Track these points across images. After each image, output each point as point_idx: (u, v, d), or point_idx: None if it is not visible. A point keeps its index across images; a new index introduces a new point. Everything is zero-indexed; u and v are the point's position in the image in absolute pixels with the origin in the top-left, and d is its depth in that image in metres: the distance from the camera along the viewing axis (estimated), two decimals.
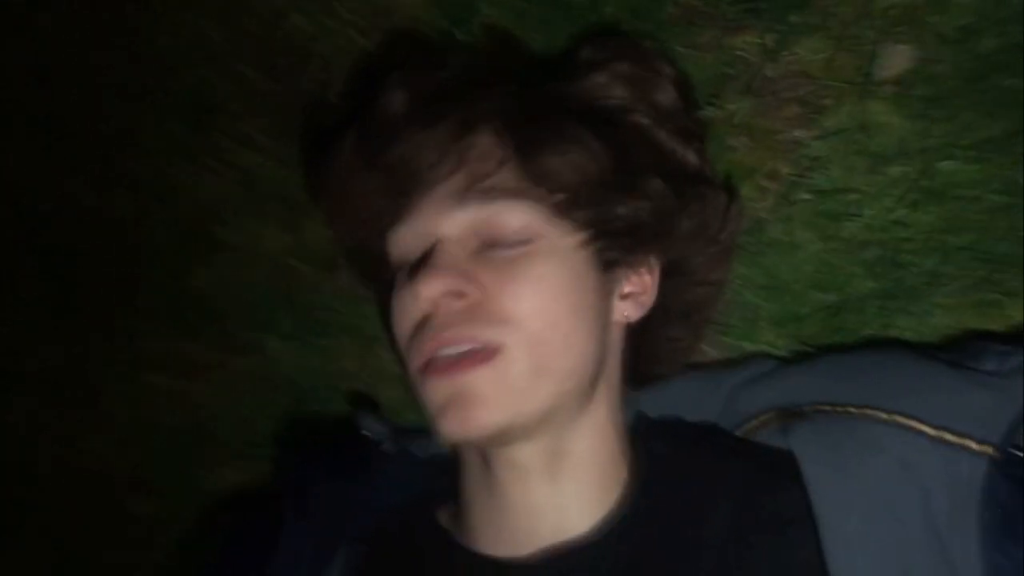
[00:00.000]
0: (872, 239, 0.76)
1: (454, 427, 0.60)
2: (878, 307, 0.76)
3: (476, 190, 0.63)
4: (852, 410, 0.63)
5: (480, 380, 0.60)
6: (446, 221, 0.64)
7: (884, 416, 0.62)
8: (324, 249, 0.95)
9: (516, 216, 0.63)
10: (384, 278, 0.71)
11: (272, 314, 0.98)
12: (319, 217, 0.91)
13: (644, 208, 0.65)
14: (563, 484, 0.65)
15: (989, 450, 0.58)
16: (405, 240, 0.67)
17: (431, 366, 0.61)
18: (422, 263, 0.63)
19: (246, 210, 0.98)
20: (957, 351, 0.67)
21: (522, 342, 0.60)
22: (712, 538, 0.63)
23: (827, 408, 0.65)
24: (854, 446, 0.61)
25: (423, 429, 0.67)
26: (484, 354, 0.60)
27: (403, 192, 0.66)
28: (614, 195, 0.64)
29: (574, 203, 0.64)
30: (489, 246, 0.63)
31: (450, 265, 0.62)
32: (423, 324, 0.63)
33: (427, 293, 0.62)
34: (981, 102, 0.72)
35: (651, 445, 0.70)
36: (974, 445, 0.59)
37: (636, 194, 0.65)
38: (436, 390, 0.61)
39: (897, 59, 0.74)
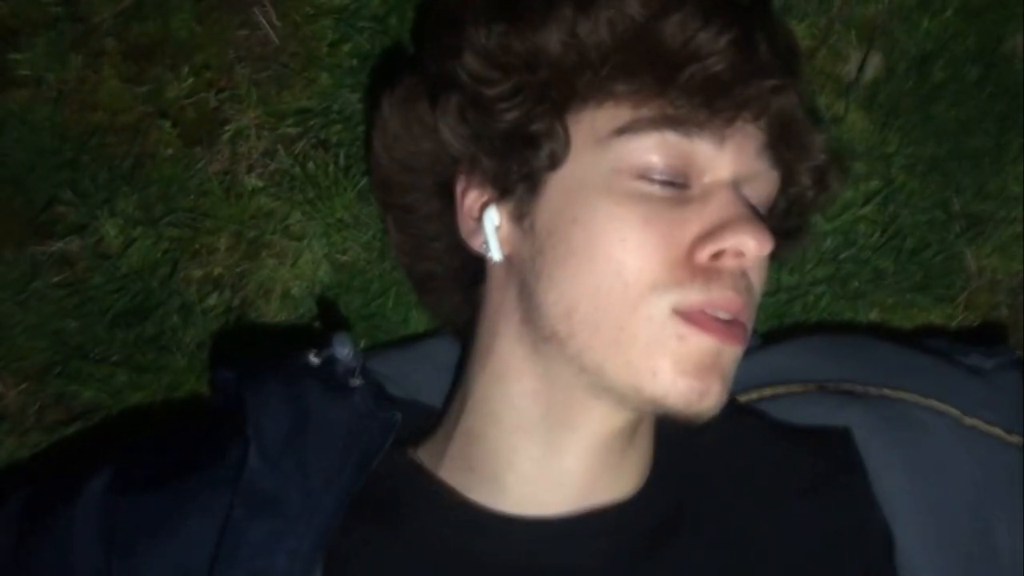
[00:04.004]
0: (830, 230, 0.77)
1: (694, 390, 0.52)
2: (829, 296, 0.77)
3: (773, 154, 0.57)
4: (887, 392, 0.62)
5: (734, 355, 0.54)
6: (765, 175, 0.57)
7: (922, 401, 0.61)
8: (190, 107, 0.74)
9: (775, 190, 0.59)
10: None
11: (110, 186, 0.74)
12: (179, 63, 0.74)
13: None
14: (628, 453, 0.59)
15: (1018, 440, 0.60)
16: (713, 160, 0.54)
17: (701, 318, 0.52)
18: (745, 213, 0.54)
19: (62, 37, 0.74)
20: (933, 345, 0.69)
21: (751, 328, 0.56)
22: (745, 499, 0.59)
23: (861, 389, 0.63)
24: (909, 427, 0.60)
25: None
26: (745, 333, 0.54)
27: (726, 92, 0.53)
28: None
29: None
30: None
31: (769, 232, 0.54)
32: (697, 265, 0.53)
33: (763, 251, 0.53)
34: (930, 124, 0.79)
35: None
36: (1003, 434, 0.60)
37: None
38: (698, 346, 0.52)
39: (871, 66, 0.78)
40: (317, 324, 0.74)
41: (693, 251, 0.52)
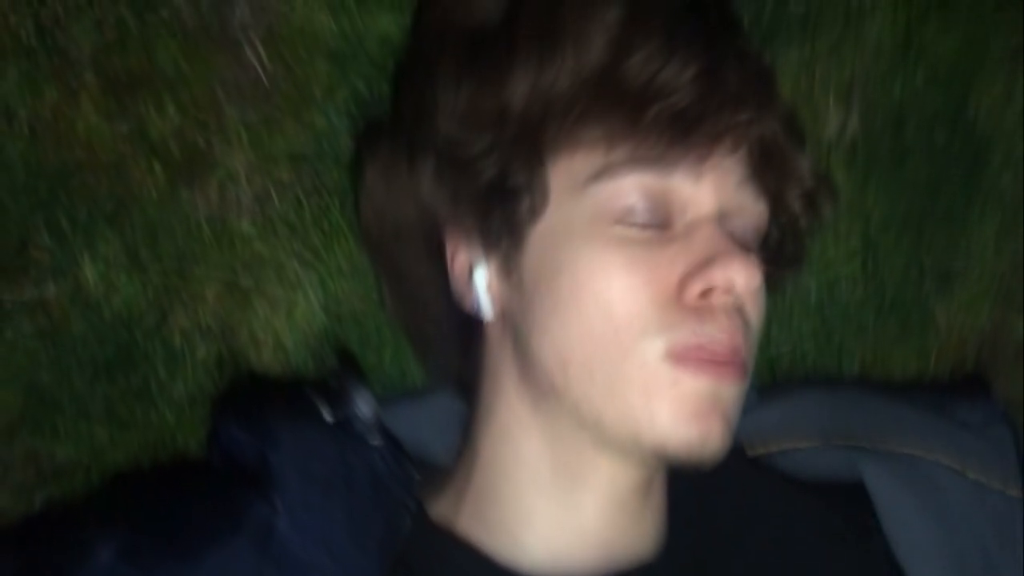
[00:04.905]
0: (815, 285, 0.80)
1: (694, 435, 0.51)
2: (815, 349, 0.79)
3: (758, 183, 0.56)
4: (893, 446, 0.64)
5: (735, 394, 0.54)
6: (750, 207, 0.56)
7: (927, 455, 0.63)
8: (175, 147, 0.70)
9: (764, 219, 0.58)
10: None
11: (90, 228, 0.69)
12: (167, 104, 0.70)
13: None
14: (645, 510, 0.59)
15: (1018, 493, 0.63)
16: (692, 197, 0.54)
17: (695, 359, 0.51)
18: (729, 246, 0.53)
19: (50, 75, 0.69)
20: (919, 397, 0.71)
21: (751, 364, 0.55)
22: (765, 556, 0.60)
23: (867, 443, 0.64)
24: (919, 480, 0.62)
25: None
26: (743, 369, 0.53)
27: (695, 127, 0.52)
28: None
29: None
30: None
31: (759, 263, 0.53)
32: (687, 304, 0.52)
33: (752, 284, 0.52)
34: (902, 182, 0.83)
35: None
36: (1001, 487, 0.63)
37: None
38: (694, 388, 0.51)
39: (850, 125, 0.82)
40: (313, 375, 0.71)
41: (681, 290, 0.52)
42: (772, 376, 0.79)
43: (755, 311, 0.55)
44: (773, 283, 0.61)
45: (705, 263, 0.52)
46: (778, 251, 0.62)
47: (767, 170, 0.56)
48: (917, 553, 0.60)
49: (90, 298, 0.68)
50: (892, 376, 0.81)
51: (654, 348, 0.51)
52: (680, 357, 0.51)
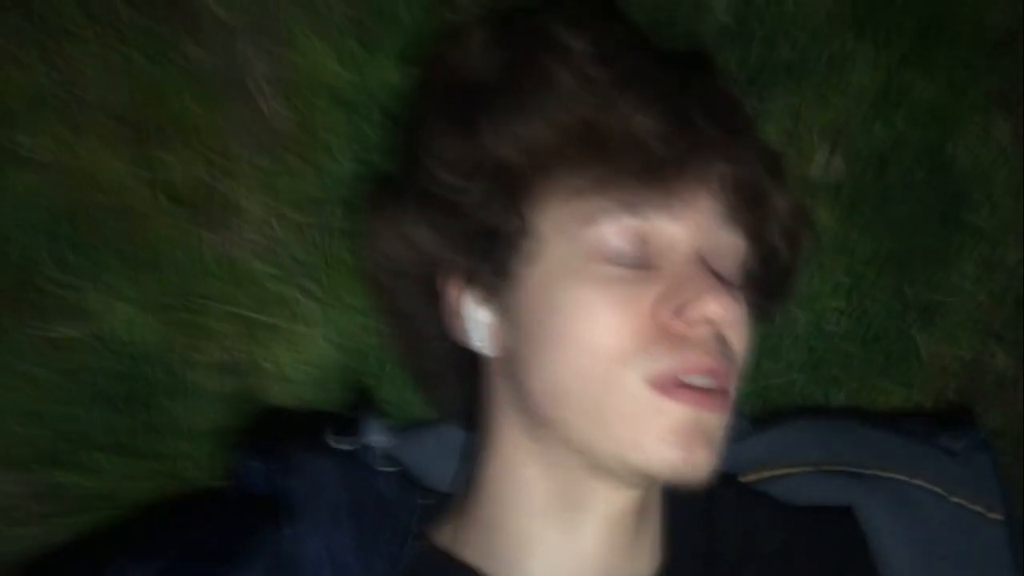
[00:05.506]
0: (804, 319, 0.83)
1: (678, 458, 0.54)
2: (803, 380, 0.82)
3: (736, 221, 0.59)
4: (880, 472, 0.67)
5: (717, 421, 0.56)
6: (730, 243, 0.59)
7: (912, 480, 0.66)
8: (190, 190, 0.74)
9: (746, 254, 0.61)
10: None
11: (111, 269, 0.72)
12: (180, 147, 0.73)
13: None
14: (641, 532, 0.62)
15: (999, 517, 0.66)
16: (672, 237, 0.57)
17: (674, 387, 0.54)
18: (706, 280, 0.56)
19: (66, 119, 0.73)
20: (905, 426, 0.74)
21: (734, 392, 0.58)
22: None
23: (856, 469, 0.68)
24: (906, 504, 0.65)
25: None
26: (725, 397, 0.56)
27: (667, 171, 0.56)
28: None
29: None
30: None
31: (737, 295, 0.56)
32: (664, 330, 0.55)
33: (728, 315, 0.55)
34: (886, 220, 0.86)
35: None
36: (983, 510, 0.66)
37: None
38: (675, 416, 0.54)
39: (835, 167, 0.85)
40: (325, 407, 0.74)
41: (659, 317, 0.55)
42: (764, 405, 0.81)
43: (737, 340, 0.58)
44: (763, 314, 0.65)
45: (683, 298, 0.55)
46: (764, 284, 0.65)
47: (744, 208, 0.60)
48: (902, 573, 0.62)
49: (110, 336, 0.72)
50: (877, 405, 0.84)
51: (635, 377, 0.54)
52: (661, 385, 0.54)
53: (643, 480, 0.57)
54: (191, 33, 0.74)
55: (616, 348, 0.54)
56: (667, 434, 0.54)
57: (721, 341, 0.56)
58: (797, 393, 0.82)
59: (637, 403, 0.54)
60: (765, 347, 0.81)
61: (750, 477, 0.69)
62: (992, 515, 0.66)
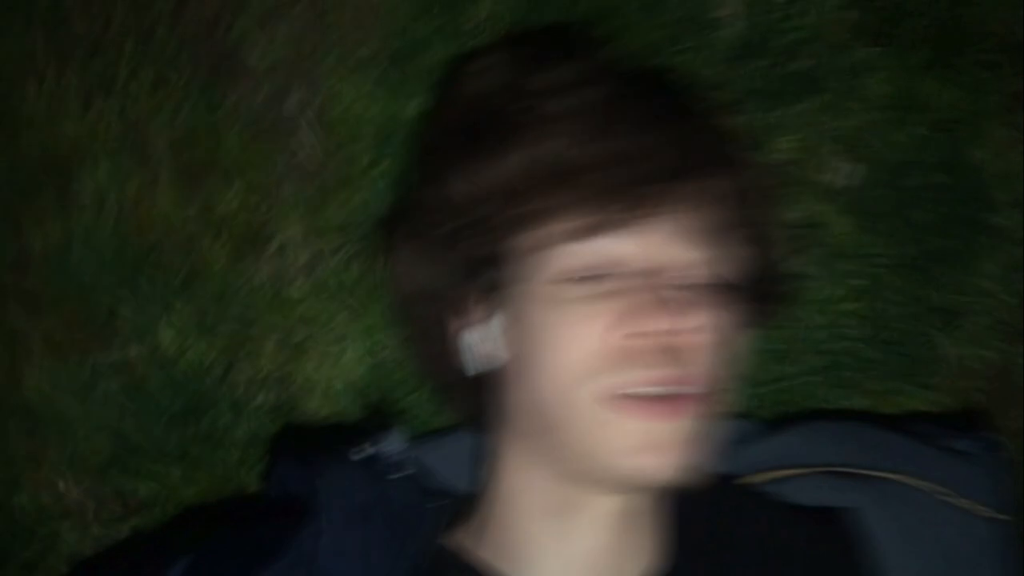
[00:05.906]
0: (823, 323, 0.84)
1: (649, 466, 0.57)
2: (823, 384, 0.84)
3: (700, 237, 0.61)
4: (887, 475, 0.69)
5: (682, 429, 0.58)
6: (699, 259, 0.61)
7: (918, 483, 0.68)
8: (239, 223, 0.81)
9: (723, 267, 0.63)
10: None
11: (165, 298, 0.80)
12: (228, 182, 0.80)
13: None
14: (643, 531, 0.65)
15: (1009, 519, 0.67)
16: (638, 255, 0.60)
17: (628, 402, 0.57)
18: (656, 296, 0.59)
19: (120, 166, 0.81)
20: (921, 429, 0.75)
21: (709, 391, 0.59)
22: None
23: (863, 472, 0.69)
24: (908, 506, 0.67)
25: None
26: (688, 400, 0.58)
27: (633, 194, 0.59)
28: None
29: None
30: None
31: (705, 306, 0.59)
32: (617, 353, 0.58)
33: (680, 326, 0.57)
34: (908, 226, 0.87)
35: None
36: (990, 513, 0.67)
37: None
38: (635, 429, 0.57)
39: (852, 174, 0.87)
40: (359, 418, 0.80)
41: (611, 336, 0.58)
42: (783, 409, 0.83)
43: (695, 351, 0.59)
44: (758, 318, 0.68)
45: (632, 315, 0.58)
46: (750, 290, 0.66)
47: (715, 224, 0.62)
48: (901, 573, 0.64)
49: (165, 357, 0.79)
50: (900, 408, 0.85)
51: (587, 397, 0.58)
52: (608, 402, 0.57)
53: (628, 487, 0.61)
54: (235, 79, 0.81)
55: (570, 370, 0.59)
56: (632, 445, 0.57)
57: (672, 350, 0.58)
58: (818, 398, 0.84)
59: (594, 421, 0.58)
60: (782, 351, 0.83)
61: (757, 479, 0.71)
62: (1003, 517, 0.67)
